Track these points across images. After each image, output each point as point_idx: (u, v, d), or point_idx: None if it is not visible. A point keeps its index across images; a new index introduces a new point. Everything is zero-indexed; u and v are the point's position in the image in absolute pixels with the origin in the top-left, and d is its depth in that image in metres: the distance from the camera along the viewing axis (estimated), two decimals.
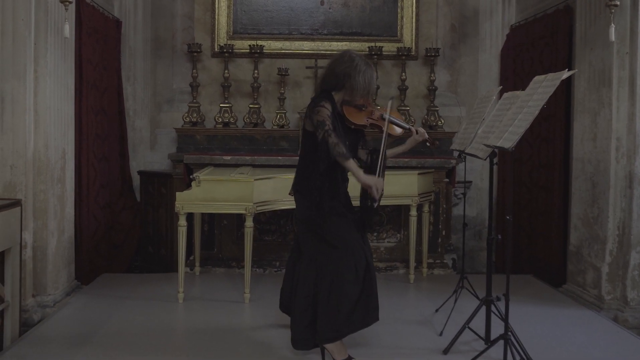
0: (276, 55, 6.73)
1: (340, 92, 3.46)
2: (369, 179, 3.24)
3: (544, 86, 3.29)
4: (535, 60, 5.91)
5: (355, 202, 3.59)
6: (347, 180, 3.57)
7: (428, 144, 3.74)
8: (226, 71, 6.55)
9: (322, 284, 3.39)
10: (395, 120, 3.57)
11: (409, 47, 6.69)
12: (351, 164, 3.26)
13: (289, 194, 3.62)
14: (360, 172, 3.26)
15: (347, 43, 6.66)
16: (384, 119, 3.50)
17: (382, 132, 3.44)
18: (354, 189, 3.57)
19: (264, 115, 6.56)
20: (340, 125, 3.44)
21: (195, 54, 6.50)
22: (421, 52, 6.75)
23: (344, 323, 3.37)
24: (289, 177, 4.85)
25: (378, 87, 6.54)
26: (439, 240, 6.01)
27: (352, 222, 3.47)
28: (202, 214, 5.63)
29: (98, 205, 5.66)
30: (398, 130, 3.58)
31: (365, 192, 3.46)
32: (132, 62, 6.65)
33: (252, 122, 6.50)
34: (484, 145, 3.60)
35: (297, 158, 5.82)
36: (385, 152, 3.42)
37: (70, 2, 4.22)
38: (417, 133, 3.62)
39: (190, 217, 5.23)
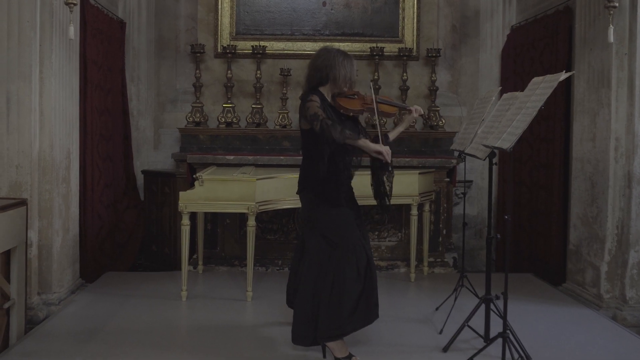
0: (278, 56, 6.78)
1: (326, 85, 3.55)
2: (378, 146, 3.37)
3: (542, 87, 3.33)
4: (535, 60, 5.95)
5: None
6: (350, 178, 3.63)
7: (423, 119, 3.85)
8: (229, 71, 6.60)
9: (324, 283, 3.44)
10: (387, 101, 3.71)
11: (410, 48, 6.73)
12: (361, 141, 3.38)
13: (296, 193, 3.68)
14: (369, 143, 3.40)
15: (349, 44, 6.70)
16: (376, 102, 3.57)
17: (376, 114, 3.55)
18: (364, 189, 3.73)
19: (266, 115, 6.61)
20: (335, 116, 3.51)
21: (199, 54, 6.55)
22: (422, 52, 6.79)
23: (346, 321, 3.41)
24: (291, 176, 4.92)
25: (379, 87, 6.58)
26: (440, 239, 6.05)
27: (353, 219, 3.53)
28: (205, 213, 5.67)
29: (102, 204, 5.71)
30: (392, 108, 3.72)
31: (379, 180, 3.58)
32: (136, 62, 6.70)
33: (255, 122, 6.55)
34: (483, 145, 3.64)
35: (300, 158, 5.93)
36: (384, 133, 3.60)
37: (75, 4, 4.27)
38: (414, 111, 3.73)
39: (193, 216, 5.28)
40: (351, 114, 3.57)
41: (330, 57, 3.53)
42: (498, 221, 6.36)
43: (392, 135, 3.74)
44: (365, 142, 3.39)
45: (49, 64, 4.53)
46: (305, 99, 3.49)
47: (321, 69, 3.53)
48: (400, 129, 3.81)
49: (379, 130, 3.49)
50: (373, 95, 3.56)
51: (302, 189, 3.62)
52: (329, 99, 3.57)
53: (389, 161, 3.40)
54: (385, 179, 3.59)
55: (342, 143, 3.35)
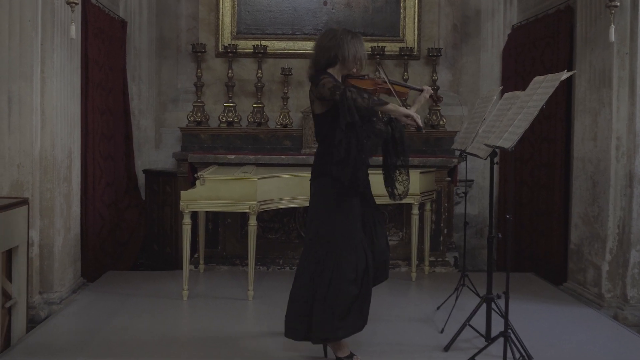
0: (279, 55, 6.79)
1: (335, 67, 3.42)
2: (408, 110, 3.32)
3: (543, 87, 3.33)
4: (536, 60, 5.94)
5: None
6: (368, 165, 3.51)
7: (433, 100, 3.84)
8: (230, 71, 6.60)
9: (321, 279, 3.37)
10: (399, 82, 3.63)
11: (411, 47, 6.74)
12: (390, 105, 3.30)
13: (310, 180, 3.52)
14: (398, 107, 3.34)
15: None
16: (389, 83, 3.51)
17: (391, 94, 3.49)
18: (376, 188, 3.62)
19: (267, 114, 6.61)
20: None
21: (200, 54, 6.56)
22: (423, 52, 6.79)
23: (338, 325, 3.34)
24: (292, 175, 4.94)
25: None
26: (441, 238, 6.05)
27: (360, 220, 3.42)
28: (206, 212, 5.68)
29: (104, 203, 5.72)
30: (405, 89, 3.65)
31: (391, 177, 3.50)
32: (137, 62, 6.70)
33: (256, 122, 6.55)
34: (485, 144, 3.64)
35: (301, 157, 5.99)
36: (390, 119, 3.48)
37: (77, 4, 4.26)
38: (425, 91, 3.62)
39: (194, 215, 5.29)
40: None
41: (338, 36, 3.39)
42: (499, 220, 6.36)
43: None
44: (394, 107, 3.30)
45: (50, 64, 4.53)
46: (316, 79, 3.35)
47: (329, 49, 3.39)
48: (412, 109, 3.62)
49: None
50: (385, 77, 3.48)
51: (318, 175, 3.45)
52: (342, 81, 3.44)
53: (421, 124, 3.34)
54: (397, 176, 3.52)
55: (370, 109, 3.24)
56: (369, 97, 3.26)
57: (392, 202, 3.59)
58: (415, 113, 3.33)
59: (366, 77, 3.54)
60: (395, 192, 3.53)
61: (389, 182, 3.56)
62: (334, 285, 3.34)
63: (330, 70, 3.42)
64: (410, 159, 5.72)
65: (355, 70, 3.48)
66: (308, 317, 3.42)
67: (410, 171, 5.25)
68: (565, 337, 4.02)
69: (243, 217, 5.72)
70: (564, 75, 3.27)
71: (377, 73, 3.59)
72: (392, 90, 3.50)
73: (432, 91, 3.65)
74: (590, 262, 4.86)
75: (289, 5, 6.78)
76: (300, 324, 3.45)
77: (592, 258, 4.84)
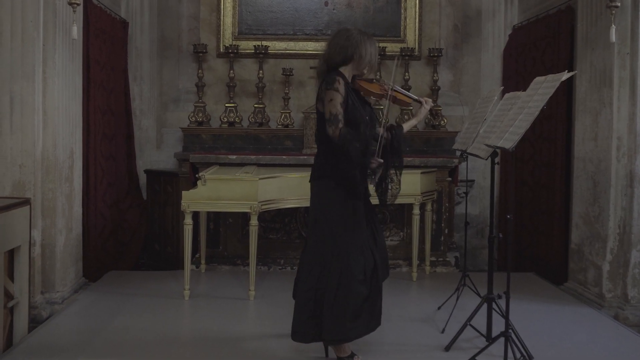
0: (281, 56, 6.80)
1: (347, 66, 3.39)
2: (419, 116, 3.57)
3: (544, 87, 3.34)
4: (537, 60, 5.95)
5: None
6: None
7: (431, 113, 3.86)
8: (231, 71, 6.61)
9: (329, 281, 3.35)
10: (403, 91, 3.63)
11: (412, 47, 6.74)
12: (372, 165, 3.31)
13: (309, 181, 3.50)
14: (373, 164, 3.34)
15: None
16: (394, 90, 3.51)
17: (395, 101, 3.50)
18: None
19: (268, 114, 6.62)
20: (358, 99, 3.41)
21: (201, 54, 6.57)
22: (424, 52, 6.80)
23: (350, 326, 3.33)
24: (293, 175, 4.94)
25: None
26: (442, 238, 6.05)
27: (364, 218, 3.41)
28: (208, 213, 5.68)
29: (105, 203, 5.73)
30: (408, 98, 3.65)
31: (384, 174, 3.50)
32: (139, 62, 6.71)
33: (257, 122, 6.56)
34: (485, 145, 3.65)
35: (302, 157, 5.99)
36: (398, 123, 3.58)
37: (78, 4, 4.28)
38: (424, 102, 3.61)
39: (196, 215, 5.29)
40: (372, 97, 3.48)
41: (355, 36, 3.38)
42: (500, 220, 6.36)
43: (405, 127, 3.60)
44: (371, 164, 3.32)
45: (52, 64, 4.54)
46: (329, 81, 3.30)
47: (346, 48, 3.36)
48: (413, 122, 3.64)
49: (384, 117, 3.45)
50: (392, 85, 3.47)
51: (319, 176, 3.42)
52: (351, 82, 3.44)
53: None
54: (393, 175, 3.52)
55: (359, 162, 3.27)
56: (364, 147, 3.26)
57: (380, 204, 3.62)
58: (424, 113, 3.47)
59: (374, 80, 3.55)
60: (384, 199, 3.56)
61: (379, 189, 3.57)
62: (343, 287, 3.32)
63: (342, 69, 3.40)
64: (411, 159, 5.89)
65: (365, 71, 3.48)
66: (317, 319, 3.39)
67: (411, 171, 5.36)
68: (566, 337, 4.03)
69: (244, 217, 5.71)
70: (565, 75, 3.27)
71: (381, 79, 3.60)
72: (396, 98, 3.51)
73: (432, 104, 3.65)
74: (591, 262, 4.86)
75: (290, 5, 6.79)
76: (308, 328, 3.42)
77: (593, 258, 4.84)
